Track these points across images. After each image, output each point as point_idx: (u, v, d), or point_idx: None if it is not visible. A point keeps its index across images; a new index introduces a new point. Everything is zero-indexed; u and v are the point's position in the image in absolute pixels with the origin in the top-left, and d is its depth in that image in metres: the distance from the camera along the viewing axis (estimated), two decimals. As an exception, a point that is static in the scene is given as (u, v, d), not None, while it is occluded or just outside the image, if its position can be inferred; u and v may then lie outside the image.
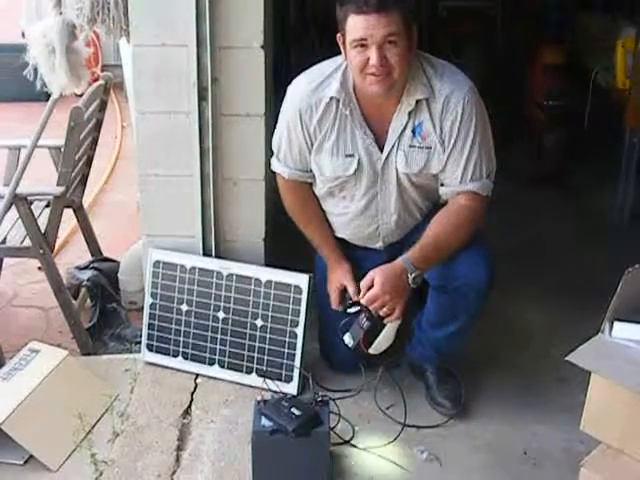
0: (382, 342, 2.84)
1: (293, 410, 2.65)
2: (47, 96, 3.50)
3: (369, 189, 2.93)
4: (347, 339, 2.85)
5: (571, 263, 4.15)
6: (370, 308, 2.76)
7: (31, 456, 2.80)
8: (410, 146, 2.83)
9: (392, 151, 2.85)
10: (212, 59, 3.06)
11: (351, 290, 2.92)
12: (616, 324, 2.26)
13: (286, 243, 3.40)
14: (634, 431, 2.26)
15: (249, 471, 2.68)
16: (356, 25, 2.64)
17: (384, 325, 2.81)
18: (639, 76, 4.53)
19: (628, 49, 4.65)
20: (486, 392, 3.19)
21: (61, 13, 3.28)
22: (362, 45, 2.65)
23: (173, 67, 3.09)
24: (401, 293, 2.75)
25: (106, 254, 4.31)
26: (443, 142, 2.81)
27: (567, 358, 2.20)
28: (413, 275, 2.75)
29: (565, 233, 4.56)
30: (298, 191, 3.07)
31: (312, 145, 2.90)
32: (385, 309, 2.74)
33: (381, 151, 2.86)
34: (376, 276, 2.73)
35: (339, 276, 2.99)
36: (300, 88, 2.88)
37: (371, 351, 2.85)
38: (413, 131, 2.82)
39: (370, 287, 2.74)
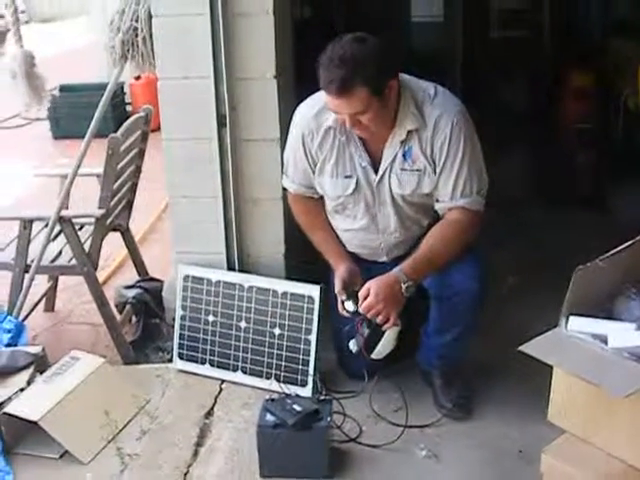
0: (383, 348, 3.04)
1: (295, 406, 2.89)
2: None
3: (368, 209, 3.14)
4: (352, 345, 3.05)
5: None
6: (367, 316, 2.96)
7: (66, 451, 3.07)
8: (402, 169, 3.03)
9: (385, 174, 3.05)
10: (229, 89, 3.35)
11: (336, 288, 3.09)
12: (572, 318, 2.42)
13: (308, 255, 3.63)
14: (594, 419, 2.40)
15: (257, 464, 2.91)
16: (326, 98, 2.86)
17: (383, 332, 3.01)
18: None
19: (654, 73, 4.76)
20: (488, 394, 3.35)
21: (22, 46, 3.81)
22: (337, 113, 2.90)
23: (195, 97, 3.40)
24: (394, 302, 2.94)
25: (157, 276, 4.57)
26: (434, 162, 3.00)
27: (521, 348, 2.36)
28: (406, 285, 2.94)
29: (594, 251, 4.65)
30: (303, 202, 3.29)
31: (315, 165, 3.13)
32: (381, 317, 2.94)
33: (376, 173, 3.07)
34: (371, 286, 2.94)
35: (336, 282, 3.15)
36: (303, 113, 3.12)
37: (373, 356, 3.05)
38: (404, 155, 3.01)
39: (366, 297, 2.95)
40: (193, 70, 3.36)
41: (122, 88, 8.25)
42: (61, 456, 3.08)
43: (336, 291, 3.08)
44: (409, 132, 2.97)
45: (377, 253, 3.27)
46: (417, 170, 3.02)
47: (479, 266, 3.07)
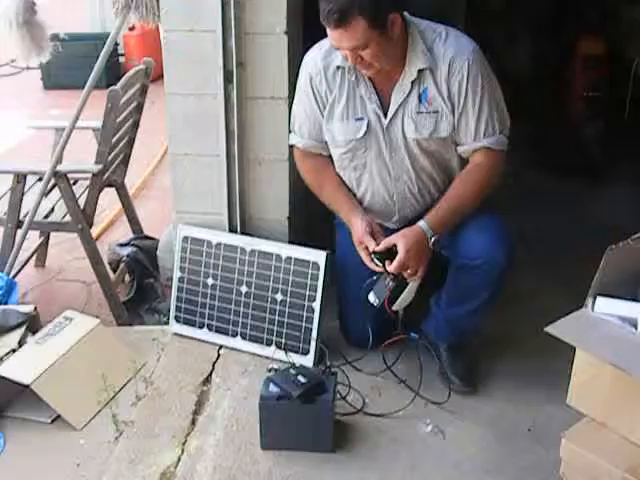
0: (404, 299, 2.96)
1: (299, 378, 2.78)
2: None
3: (380, 154, 3.03)
4: (372, 298, 2.96)
5: (597, 252, 4.18)
6: (394, 272, 2.87)
7: (58, 415, 2.97)
8: (418, 112, 2.93)
9: (396, 118, 2.95)
10: (237, 44, 3.20)
11: (370, 247, 2.95)
12: (599, 299, 2.32)
13: (311, 221, 3.52)
14: (616, 405, 2.32)
15: (257, 435, 2.81)
16: (329, 34, 2.78)
17: (407, 284, 2.93)
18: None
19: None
20: (498, 370, 3.26)
21: None
22: (338, 48, 2.81)
23: (201, 51, 3.25)
24: (423, 256, 2.87)
25: (151, 233, 4.46)
26: (452, 104, 2.90)
27: (546, 329, 2.26)
28: (433, 239, 2.86)
29: (596, 223, 4.56)
30: (311, 159, 3.18)
31: (324, 109, 3.02)
32: (410, 271, 2.86)
33: (385, 116, 2.96)
34: (399, 242, 2.83)
35: (359, 235, 2.99)
36: (311, 56, 3.02)
37: (394, 308, 2.97)
38: (419, 97, 2.91)
39: (390, 247, 2.85)
40: (200, 23, 3.20)
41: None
42: (53, 421, 2.98)
43: (371, 249, 2.93)
44: (420, 71, 2.88)
45: (389, 209, 3.15)
46: (434, 112, 2.92)
47: (505, 234, 2.96)
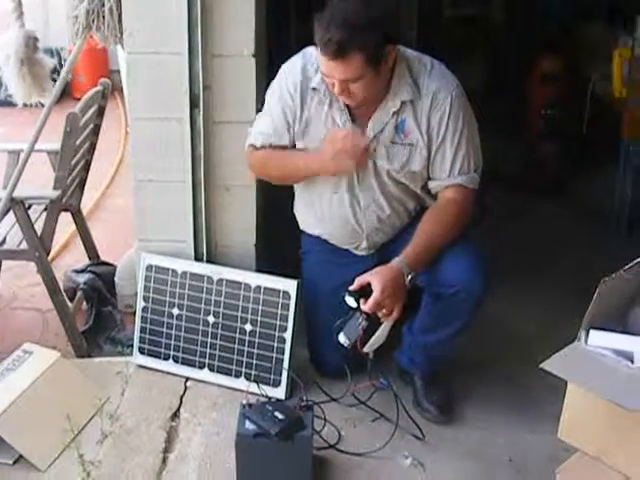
0: (377, 340, 2.84)
1: (277, 414, 2.67)
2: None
3: (350, 180, 2.96)
4: (342, 339, 2.84)
5: (567, 270, 4.19)
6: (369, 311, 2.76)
7: (21, 456, 2.83)
8: (392, 142, 2.87)
9: (370, 146, 2.87)
10: (204, 67, 3.11)
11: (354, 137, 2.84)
12: (592, 332, 2.27)
13: (277, 249, 3.44)
14: (610, 439, 2.27)
15: (234, 473, 2.70)
16: (320, 60, 2.71)
17: (380, 324, 2.82)
18: (635, 85, 4.54)
19: (624, 58, 4.67)
20: (474, 398, 3.21)
21: (22, 25, 3.37)
22: (327, 76, 2.73)
23: (166, 74, 3.14)
24: (400, 295, 2.75)
25: (105, 258, 4.35)
26: (430, 138, 2.85)
27: (542, 365, 2.21)
28: (409, 277, 2.77)
29: (562, 240, 4.57)
30: (264, 149, 3.03)
31: (293, 122, 2.94)
32: (384, 311, 2.75)
33: None
34: (374, 280, 2.72)
35: (336, 140, 2.85)
36: (290, 65, 2.92)
37: (366, 349, 2.85)
38: (396, 127, 2.85)
39: (367, 289, 2.73)
40: (165, 45, 3.09)
41: (59, 54, 7.88)
42: (15, 462, 2.84)
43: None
44: (403, 103, 2.82)
45: (357, 234, 3.07)
46: (409, 144, 2.86)
47: (481, 261, 2.90)
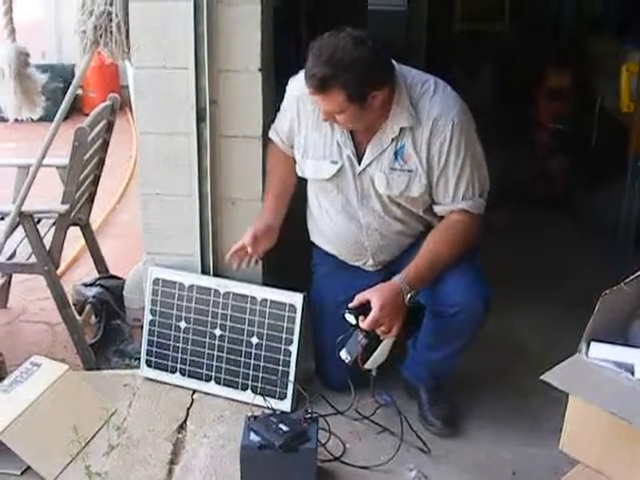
0: (378, 357, 2.86)
1: (281, 426, 2.70)
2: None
3: (349, 201, 2.99)
4: (344, 355, 2.86)
5: (573, 285, 4.17)
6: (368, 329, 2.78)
7: (28, 467, 2.85)
8: (391, 169, 2.88)
9: (368, 169, 2.90)
10: (210, 81, 3.13)
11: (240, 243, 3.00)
12: (593, 344, 2.28)
13: (286, 262, 3.46)
14: (611, 452, 2.28)
15: (238, 485, 2.72)
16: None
17: (380, 341, 2.83)
18: (643, 100, 4.55)
19: (633, 73, 4.64)
20: (478, 411, 3.21)
21: (14, 40, 3.42)
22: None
23: (173, 89, 3.17)
24: (398, 313, 2.77)
25: (115, 272, 4.37)
26: (430, 165, 2.85)
27: (542, 377, 2.22)
28: (409, 295, 2.78)
29: (569, 255, 4.57)
30: (278, 153, 3.18)
31: (299, 131, 3.02)
32: (383, 328, 2.76)
33: (359, 164, 2.92)
34: (373, 298, 2.74)
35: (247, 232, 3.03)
36: (299, 81, 2.92)
37: (367, 366, 2.87)
38: (395, 154, 2.86)
39: (366, 305, 2.75)
40: (172, 60, 3.12)
41: (72, 71, 7.95)
42: (23, 472, 2.86)
43: (244, 241, 2.99)
44: (402, 129, 2.83)
45: (362, 252, 3.10)
46: (408, 171, 2.87)
47: (483, 282, 2.91)
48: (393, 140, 2.85)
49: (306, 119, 2.97)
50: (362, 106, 2.71)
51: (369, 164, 2.89)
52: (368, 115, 2.77)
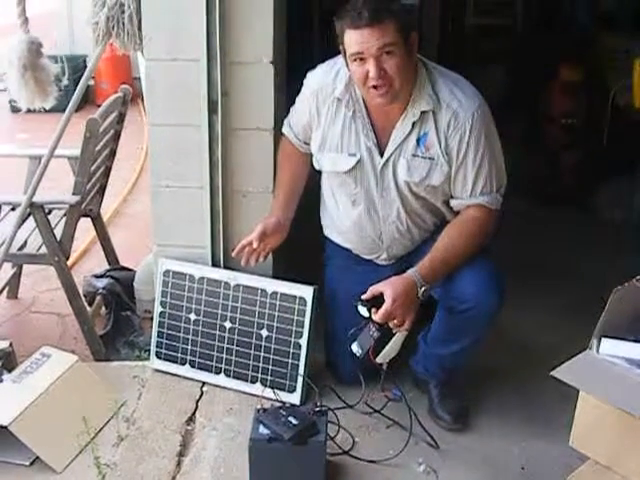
0: (390, 351, 2.85)
1: (290, 419, 2.69)
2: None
3: (368, 193, 2.98)
4: (355, 348, 2.85)
5: (584, 280, 4.16)
6: (380, 321, 2.77)
7: (37, 457, 2.86)
8: (413, 155, 2.86)
9: (392, 158, 2.89)
10: (222, 74, 3.12)
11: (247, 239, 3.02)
12: (603, 341, 2.27)
13: (296, 255, 3.45)
14: (621, 448, 2.27)
15: (247, 478, 2.72)
16: (352, 39, 2.70)
17: (393, 335, 2.83)
18: (655, 95, 4.54)
19: (645, 68, 4.64)
20: (488, 407, 3.20)
21: (27, 31, 3.40)
22: (360, 59, 2.70)
23: (185, 81, 3.16)
24: (411, 306, 2.76)
25: (125, 264, 4.38)
26: (448, 155, 2.84)
27: (552, 373, 2.21)
28: (422, 289, 2.77)
29: (580, 250, 4.55)
30: (290, 147, 3.20)
31: (317, 127, 3.01)
32: (396, 321, 2.76)
33: (381, 156, 2.90)
34: (386, 290, 2.74)
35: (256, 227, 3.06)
36: (319, 73, 2.98)
37: (378, 360, 2.86)
38: (418, 140, 2.85)
39: (378, 298, 2.75)
40: (184, 52, 3.12)
41: (84, 61, 7.96)
42: (32, 463, 2.87)
43: (252, 237, 3.01)
44: (423, 113, 2.82)
45: (377, 246, 3.10)
46: (430, 158, 2.86)
47: (497, 278, 2.89)
48: (414, 125, 2.84)
49: (325, 112, 2.96)
50: (407, 46, 2.70)
51: (393, 152, 2.88)
52: (409, 70, 2.75)
